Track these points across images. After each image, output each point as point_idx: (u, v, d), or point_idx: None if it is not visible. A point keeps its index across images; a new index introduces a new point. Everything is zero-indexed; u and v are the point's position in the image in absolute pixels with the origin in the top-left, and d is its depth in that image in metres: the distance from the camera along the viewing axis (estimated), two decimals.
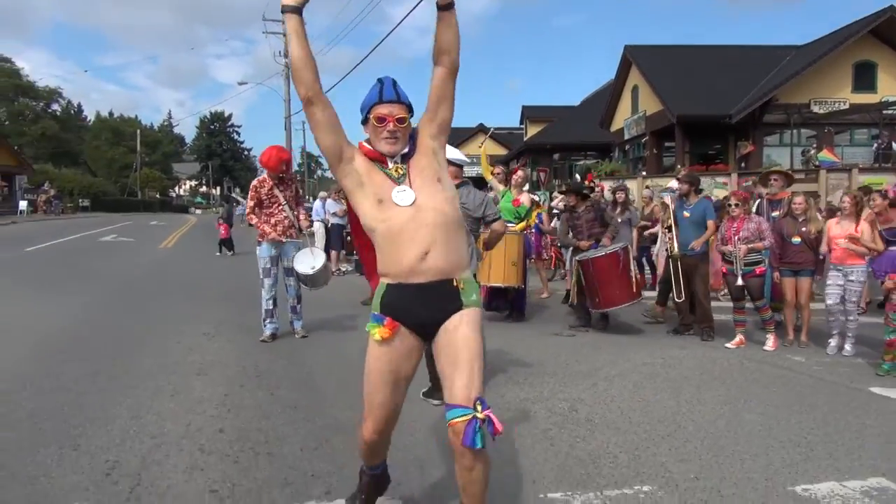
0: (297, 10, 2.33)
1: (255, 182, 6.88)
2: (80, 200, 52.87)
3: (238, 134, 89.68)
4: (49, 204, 43.99)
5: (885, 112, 20.74)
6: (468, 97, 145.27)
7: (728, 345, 6.49)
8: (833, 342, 6.34)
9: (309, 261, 6.16)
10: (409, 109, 2.48)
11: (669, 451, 3.71)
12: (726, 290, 7.66)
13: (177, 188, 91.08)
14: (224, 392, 4.69)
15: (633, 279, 7.15)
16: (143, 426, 3.94)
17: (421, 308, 2.36)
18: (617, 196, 9.49)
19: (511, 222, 7.71)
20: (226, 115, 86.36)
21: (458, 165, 4.95)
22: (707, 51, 24.95)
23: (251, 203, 6.79)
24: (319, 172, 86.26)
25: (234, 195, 19.15)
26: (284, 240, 6.66)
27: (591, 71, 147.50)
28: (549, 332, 7.21)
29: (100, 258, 15.60)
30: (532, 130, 35.47)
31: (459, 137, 41.19)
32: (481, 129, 41.16)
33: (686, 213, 7.08)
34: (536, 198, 9.77)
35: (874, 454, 3.69)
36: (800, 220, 6.58)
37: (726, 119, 20.45)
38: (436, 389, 4.61)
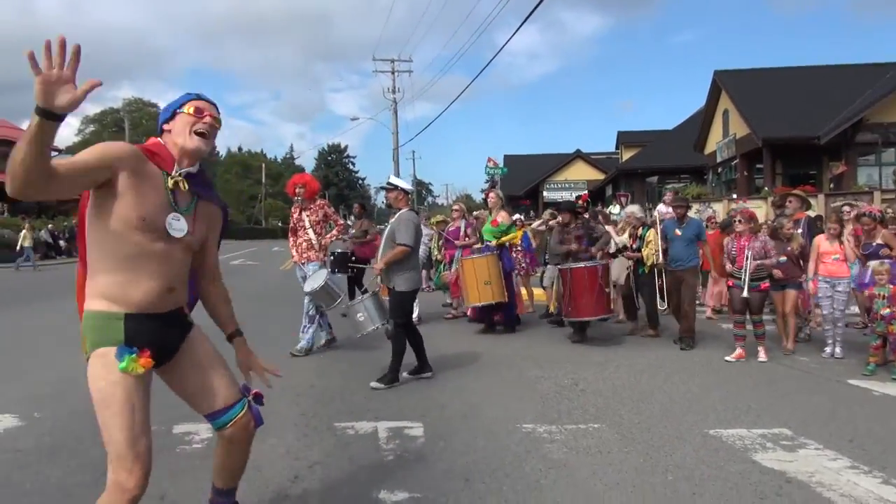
0: (62, 118, 1.82)
1: (291, 209, 7.57)
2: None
3: (353, 164, 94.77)
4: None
5: None
6: (565, 124, 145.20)
7: (728, 358, 6.80)
8: (829, 349, 6.93)
9: (312, 281, 6.79)
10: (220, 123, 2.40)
11: (630, 409, 4.93)
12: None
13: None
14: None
15: (606, 296, 7.69)
16: None
17: (161, 337, 2.28)
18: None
19: (490, 241, 8.55)
20: (342, 146, 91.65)
21: (405, 191, 6.09)
22: (797, 72, 24.94)
23: (290, 227, 7.49)
24: (430, 199, 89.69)
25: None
26: (303, 262, 7.25)
27: (687, 95, 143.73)
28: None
29: (231, 278, 18.09)
30: (627, 155, 36.07)
31: (557, 163, 42.35)
32: (578, 154, 42.10)
33: (678, 232, 7.70)
34: (518, 217, 10.49)
35: (798, 416, 4.73)
36: (784, 240, 7.37)
37: (815, 140, 20.51)
38: (423, 366, 6.00)
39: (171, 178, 2.22)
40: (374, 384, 5.60)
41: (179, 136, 2.26)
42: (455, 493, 3.37)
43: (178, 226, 2.23)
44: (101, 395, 2.10)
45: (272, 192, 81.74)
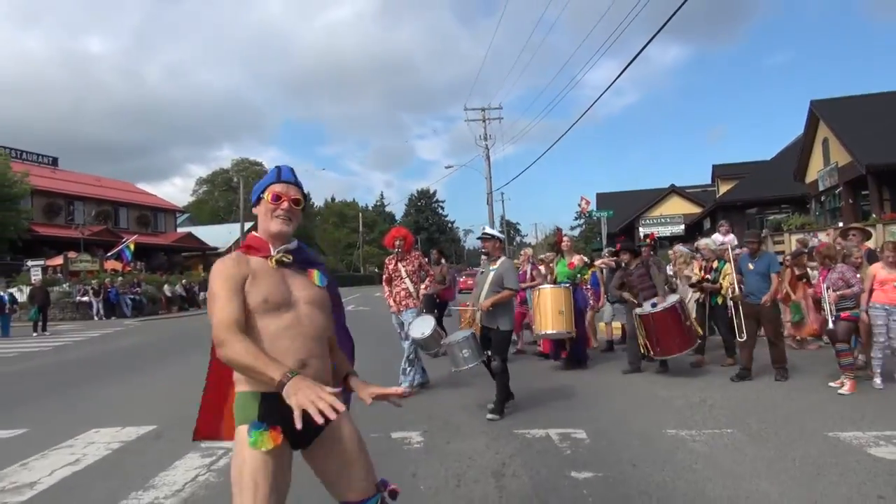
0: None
1: (386, 260, 8.05)
2: None
3: (442, 209, 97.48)
4: None
5: None
6: (657, 158, 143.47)
7: (841, 391, 6.81)
8: (878, 380, 6.98)
9: (420, 327, 6.84)
10: (304, 196, 2.49)
11: (756, 418, 5.85)
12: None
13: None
14: None
15: (689, 328, 8.15)
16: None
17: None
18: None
19: (566, 282, 8.96)
20: (430, 191, 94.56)
21: (501, 240, 6.70)
22: (894, 96, 24.66)
23: (385, 277, 7.98)
24: (518, 239, 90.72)
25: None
26: (402, 309, 7.73)
27: (782, 124, 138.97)
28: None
29: (353, 321, 19.78)
30: (724, 188, 36.01)
31: (652, 198, 42.59)
32: (673, 189, 42.21)
33: (751, 266, 7.98)
34: (587, 259, 10.76)
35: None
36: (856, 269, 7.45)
37: None
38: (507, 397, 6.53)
39: (272, 259, 2.36)
40: (490, 416, 6.15)
41: (263, 221, 2.41)
42: (626, 472, 4.45)
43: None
44: (233, 472, 2.15)
45: (368, 240, 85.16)
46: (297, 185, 2.46)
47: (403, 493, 4.33)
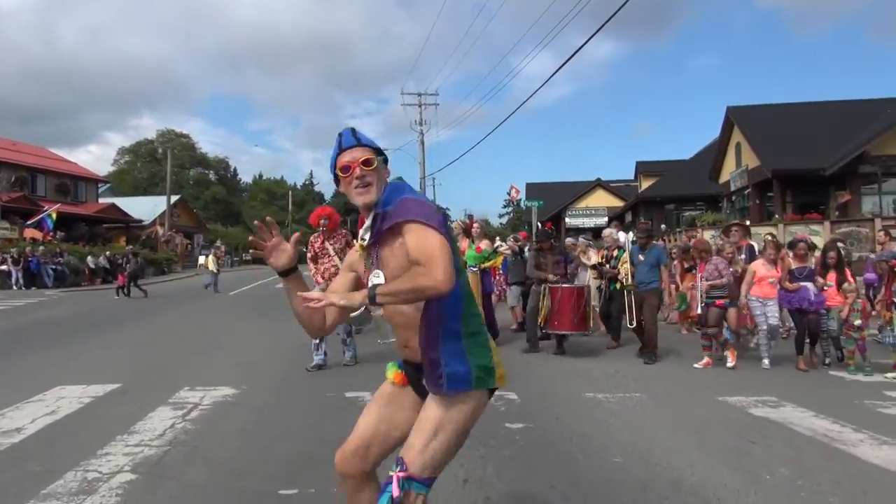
0: (291, 271, 2.30)
1: (311, 238, 8.15)
2: (244, 255, 60.77)
3: None
4: (222, 258, 51.69)
5: None
6: (584, 151, 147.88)
7: (696, 365, 7.88)
8: (767, 361, 7.83)
9: None
10: (376, 151, 2.34)
11: (661, 385, 6.81)
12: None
13: None
14: None
15: (586, 313, 8.71)
16: None
17: (415, 383, 2.41)
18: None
19: (474, 266, 9.56)
20: None
21: None
22: (805, 107, 26.84)
23: (309, 255, 8.07)
24: (449, 223, 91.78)
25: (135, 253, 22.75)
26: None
27: (703, 125, 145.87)
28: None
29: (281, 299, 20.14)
30: (646, 183, 37.97)
31: (578, 191, 44.30)
32: (599, 183, 44.05)
33: (641, 258, 8.77)
34: (498, 244, 11.65)
35: (783, 390, 6.58)
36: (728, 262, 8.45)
37: (821, 171, 22.29)
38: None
39: (359, 244, 2.41)
40: None
41: (350, 197, 2.35)
42: (552, 424, 5.27)
43: (377, 282, 2.25)
44: None
45: (297, 219, 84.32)
46: (362, 144, 2.32)
47: None
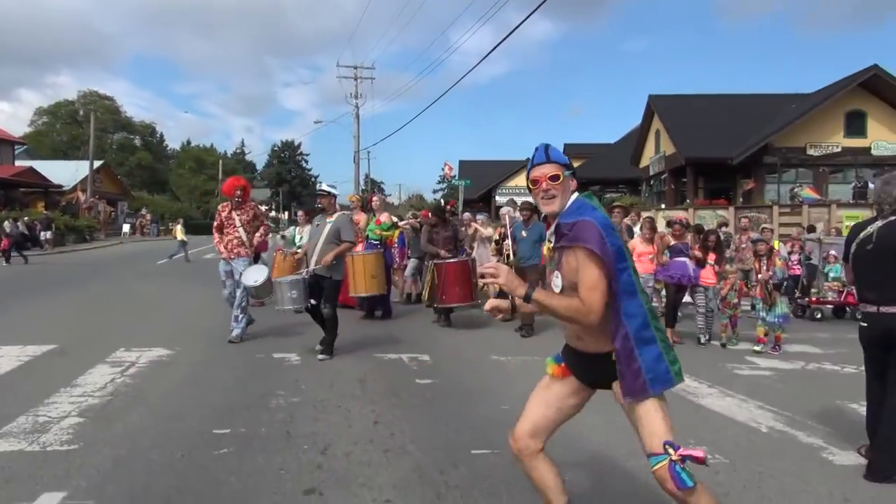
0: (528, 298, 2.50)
1: (219, 207, 8.10)
2: (170, 224, 59.37)
3: (306, 162, 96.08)
4: (147, 227, 50.50)
5: (873, 154, 24.04)
6: (518, 132, 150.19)
7: None
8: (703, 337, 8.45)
9: (253, 275, 7.32)
10: (565, 167, 2.63)
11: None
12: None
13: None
14: None
15: (474, 286, 8.95)
16: None
17: (583, 371, 2.70)
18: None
19: (376, 240, 9.93)
20: (295, 143, 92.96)
21: (334, 196, 7.16)
22: (719, 99, 28.58)
23: (215, 224, 7.97)
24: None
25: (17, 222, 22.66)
26: (233, 257, 7.76)
27: (632, 110, 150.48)
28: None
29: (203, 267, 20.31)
30: (576, 163, 39.35)
31: (509, 169, 45.41)
32: None
33: (524, 234, 8.98)
34: (396, 219, 11.64)
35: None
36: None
37: (729, 160, 23.95)
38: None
39: (547, 245, 2.75)
40: (321, 357, 6.82)
41: (538, 205, 2.71)
42: (456, 380, 6.04)
43: (555, 283, 2.63)
44: None
45: None
46: (551, 161, 2.62)
47: (288, 388, 5.66)
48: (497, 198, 43.14)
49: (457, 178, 28.62)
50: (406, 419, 4.81)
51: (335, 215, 7.13)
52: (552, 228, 2.66)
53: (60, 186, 43.93)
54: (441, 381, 6.06)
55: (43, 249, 29.73)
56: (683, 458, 2.35)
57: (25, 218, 31.91)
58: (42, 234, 31.16)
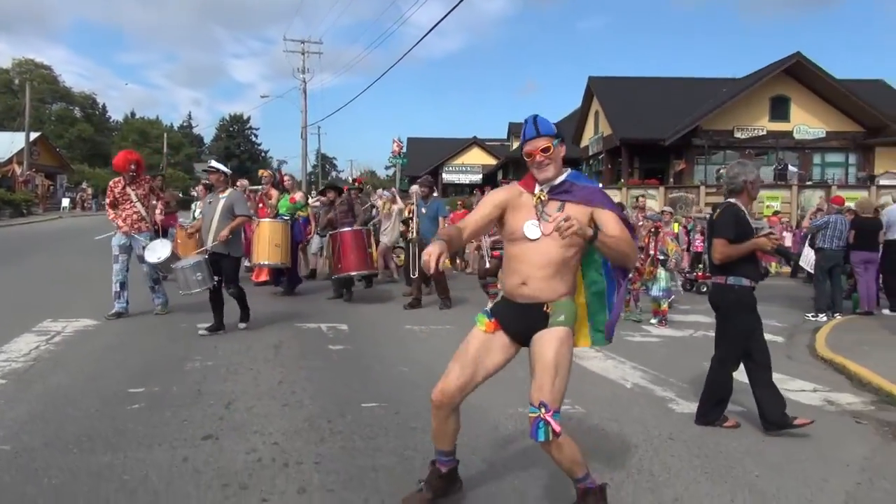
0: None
1: (111, 183, 7.97)
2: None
3: (256, 136, 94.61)
4: (88, 201, 49.31)
5: (795, 137, 25.37)
6: (468, 108, 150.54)
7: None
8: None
9: (156, 251, 7.47)
10: (554, 136, 2.94)
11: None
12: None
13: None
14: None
15: (369, 255, 9.44)
16: None
17: (514, 322, 2.95)
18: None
19: (286, 216, 10.14)
20: (245, 117, 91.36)
21: (227, 174, 7.13)
22: (655, 82, 29.62)
23: (108, 200, 7.90)
24: (333, 173, 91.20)
25: None
26: (133, 232, 7.72)
27: (576, 91, 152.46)
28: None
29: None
30: (517, 143, 39.98)
31: (456, 147, 45.87)
32: (475, 141, 45.80)
33: (423, 210, 9.38)
34: (309, 198, 12.25)
35: None
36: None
37: (661, 142, 24.92)
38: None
39: (536, 196, 2.95)
40: (241, 325, 7.12)
41: (533, 173, 2.98)
42: (370, 347, 6.55)
43: (531, 231, 2.89)
44: None
45: (172, 163, 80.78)
46: (541, 134, 2.92)
47: (206, 353, 6.08)
48: (444, 175, 43.61)
49: (401, 155, 28.88)
50: (309, 379, 5.32)
51: (227, 191, 7.12)
52: (550, 184, 2.94)
53: None
54: (352, 347, 6.58)
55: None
56: (547, 421, 2.68)
57: None
58: None
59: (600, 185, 16.70)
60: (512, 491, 3.37)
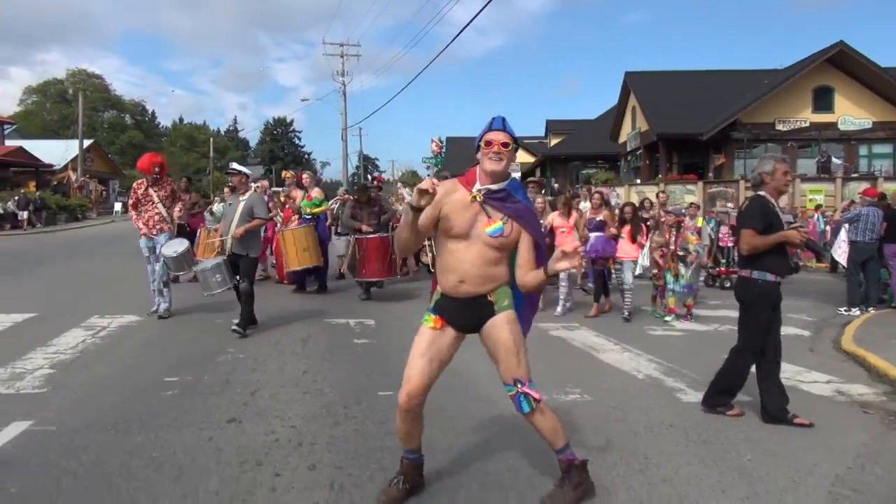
0: (419, 210, 2.81)
1: (134, 184, 8.11)
2: None
3: (299, 139, 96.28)
4: None
5: (840, 129, 24.76)
6: (507, 106, 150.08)
7: None
8: (560, 307, 8.81)
9: (173, 246, 7.65)
10: (514, 142, 3.01)
11: None
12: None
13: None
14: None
15: (393, 260, 9.37)
16: None
17: (459, 316, 3.06)
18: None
19: (308, 216, 10.15)
20: (288, 120, 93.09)
21: (248, 176, 7.35)
22: (692, 75, 29.20)
23: (131, 201, 8.02)
24: (375, 173, 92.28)
25: None
26: (155, 233, 7.84)
27: (610, 89, 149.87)
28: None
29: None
30: (555, 141, 39.95)
31: None
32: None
33: None
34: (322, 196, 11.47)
35: (602, 328, 8.35)
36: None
37: (699, 136, 24.61)
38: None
39: (472, 195, 2.98)
40: (234, 328, 6.83)
41: (481, 163, 2.99)
42: (392, 340, 6.82)
43: (495, 231, 2.96)
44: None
45: (219, 166, 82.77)
46: (506, 131, 3.00)
47: (237, 347, 6.45)
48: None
49: (440, 155, 29.19)
50: (332, 370, 5.62)
51: (247, 193, 7.29)
52: (488, 186, 2.99)
53: (51, 166, 44.43)
54: (377, 341, 6.86)
55: (23, 229, 29.95)
56: (525, 392, 2.96)
57: (16, 197, 32.40)
58: (20, 213, 31.12)
59: (614, 188, 16.47)
60: (506, 470, 3.58)
